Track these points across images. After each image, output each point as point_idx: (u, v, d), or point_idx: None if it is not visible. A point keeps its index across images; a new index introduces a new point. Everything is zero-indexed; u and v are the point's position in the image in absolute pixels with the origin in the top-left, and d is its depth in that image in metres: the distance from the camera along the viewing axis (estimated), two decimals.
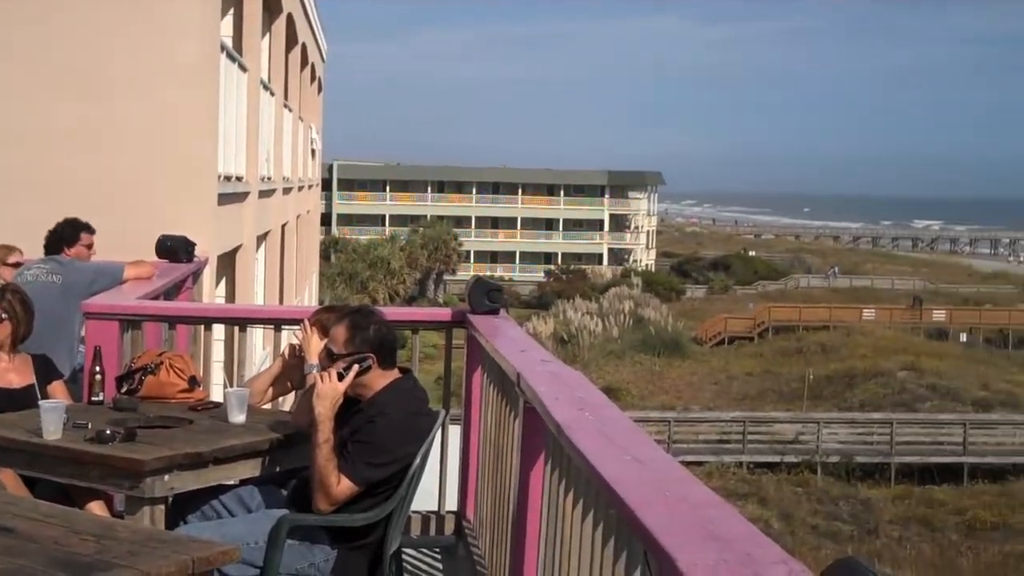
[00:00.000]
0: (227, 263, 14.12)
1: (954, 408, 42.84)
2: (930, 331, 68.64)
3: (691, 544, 2.38)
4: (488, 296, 6.13)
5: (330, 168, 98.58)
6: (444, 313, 6.75)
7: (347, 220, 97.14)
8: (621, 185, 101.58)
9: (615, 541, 2.94)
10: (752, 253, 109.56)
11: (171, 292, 7.82)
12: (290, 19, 19.53)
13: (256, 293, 16.55)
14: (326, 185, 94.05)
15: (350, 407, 4.56)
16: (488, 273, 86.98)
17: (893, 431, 37.68)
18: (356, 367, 4.50)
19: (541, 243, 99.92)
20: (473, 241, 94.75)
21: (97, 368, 5.31)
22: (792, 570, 2.24)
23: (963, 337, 68.10)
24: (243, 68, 13.79)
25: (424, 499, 6.19)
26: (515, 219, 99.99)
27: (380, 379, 4.58)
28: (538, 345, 5.44)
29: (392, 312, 5.94)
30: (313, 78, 27.26)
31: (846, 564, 1.71)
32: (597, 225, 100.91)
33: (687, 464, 28.39)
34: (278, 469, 4.83)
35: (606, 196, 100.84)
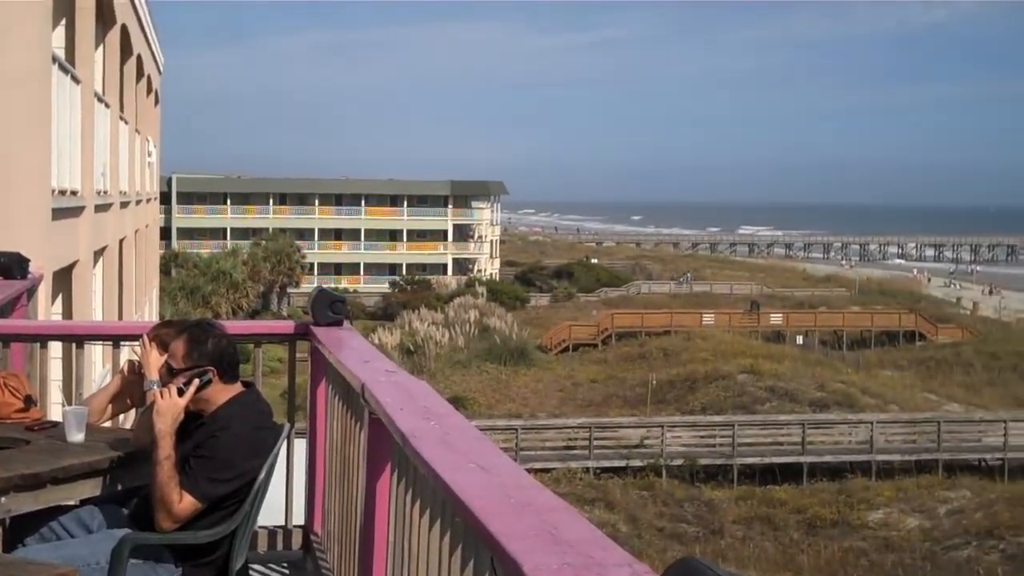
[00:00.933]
0: (63, 279, 13.78)
1: (792, 409, 43.89)
2: (768, 334, 70.29)
3: (536, 549, 2.40)
4: (331, 307, 6.10)
5: (169, 181, 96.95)
6: (287, 326, 6.67)
7: (188, 234, 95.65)
8: (464, 195, 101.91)
9: (462, 549, 2.94)
10: (594, 261, 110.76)
11: (5, 310, 7.60)
12: (124, 30, 19.15)
13: (94, 309, 16.18)
14: (165, 199, 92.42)
15: (192, 422, 4.49)
16: (333, 285, 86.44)
17: (735, 433, 38.43)
18: (196, 382, 4.44)
19: (385, 254, 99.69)
20: (317, 253, 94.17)
21: None
22: (635, 572, 2.27)
23: (799, 339, 69.95)
24: (76, 80, 13.48)
25: (271, 514, 6.13)
26: (359, 230, 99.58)
27: (222, 393, 4.53)
28: (382, 356, 5.43)
29: (233, 326, 5.86)
30: (149, 90, 26.79)
31: (685, 563, 1.74)
32: (441, 235, 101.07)
33: (535, 471, 28.78)
34: (119, 488, 4.73)
35: (449, 206, 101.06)
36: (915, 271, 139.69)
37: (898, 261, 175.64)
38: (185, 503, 4.32)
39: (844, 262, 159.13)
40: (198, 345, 4.51)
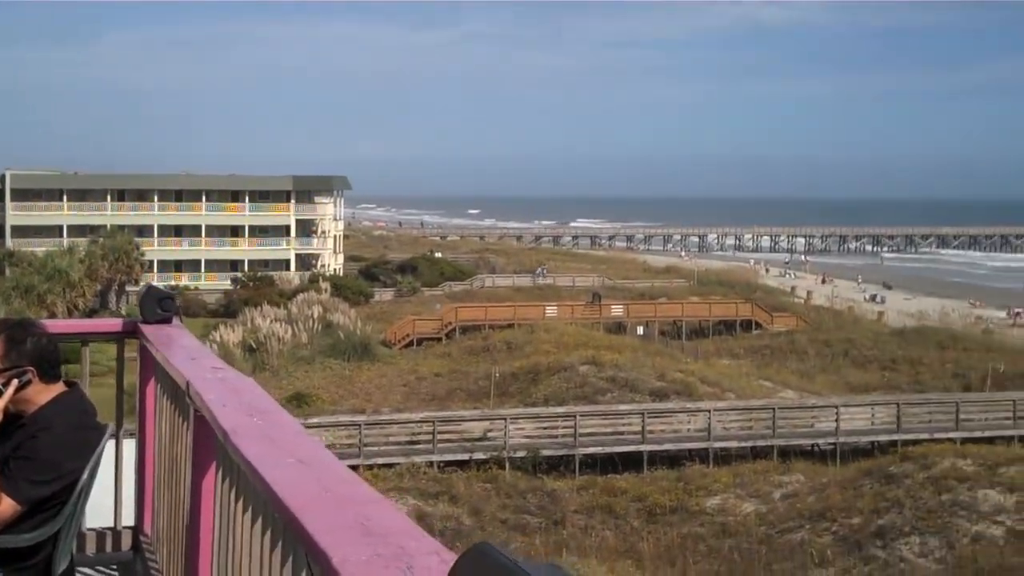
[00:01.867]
0: None
1: (632, 399, 44.55)
2: (609, 325, 71.28)
3: (346, 542, 2.45)
4: (160, 305, 6.04)
5: (2, 178, 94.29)
6: (114, 324, 6.58)
7: (22, 232, 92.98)
8: (307, 190, 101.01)
9: (282, 546, 2.97)
10: (438, 255, 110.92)
11: None
12: None
13: None
14: None
15: (13, 424, 4.43)
16: (173, 282, 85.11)
17: (576, 424, 38.87)
18: (15, 382, 4.38)
19: (227, 250, 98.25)
20: (157, 250, 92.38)
21: None
22: (443, 560, 2.34)
23: (640, 330, 71.04)
24: None
25: (101, 516, 6.06)
26: (199, 227, 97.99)
27: (43, 393, 4.47)
28: (210, 353, 5.41)
29: (58, 325, 5.78)
30: None
31: (478, 548, 1.81)
32: (284, 231, 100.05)
33: (378, 466, 28.66)
34: None
35: (292, 201, 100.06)
36: (751, 261, 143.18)
37: (735, 252, 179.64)
38: (5, 506, 4.26)
39: (683, 253, 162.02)
40: (17, 345, 4.45)
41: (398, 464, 35.69)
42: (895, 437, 40.65)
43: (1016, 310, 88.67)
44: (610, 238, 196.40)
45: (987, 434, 41.11)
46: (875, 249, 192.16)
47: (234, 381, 4.49)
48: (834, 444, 40.52)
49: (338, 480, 2.99)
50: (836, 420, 40.92)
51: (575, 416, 39.36)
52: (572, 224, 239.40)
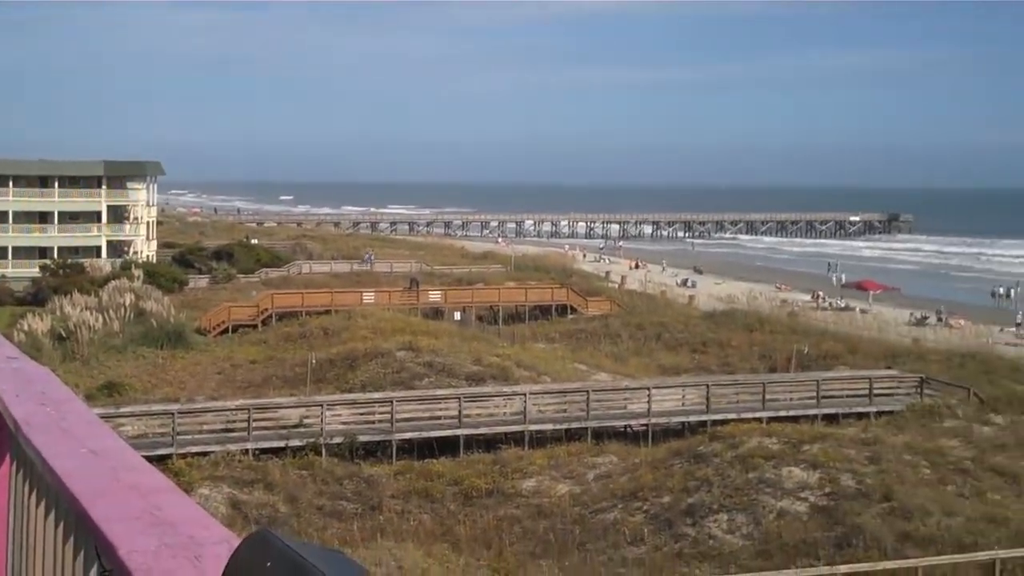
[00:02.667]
0: None
1: (449, 383, 44.77)
2: (427, 311, 71.39)
3: (135, 533, 2.44)
4: None
5: None
6: None
7: None
8: (119, 176, 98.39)
9: (74, 539, 2.94)
10: (255, 241, 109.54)
11: None
12: None
13: None
14: None
15: None
16: None
17: (393, 409, 38.87)
18: None
19: (35, 237, 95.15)
20: None
21: None
22: (232, 547, 2.36)
23: (457, 315, 71.36)
24: None
25: None
26: (6, 212, 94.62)
27: None
28: (5, 341, 5.29)
29: None
30: None
31: (259, 535, 1.85)
32: (95, 217, 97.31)
33: (192, 455, 28.21)
34: None
35: (103, 187, 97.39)
36: (566, 247, 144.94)
37: (552, 238, 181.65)
38: None
39: (500, 239, 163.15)
40: None
41: (213, 452, 35.16)
42: (705, 417, 41.72)
43: (819, 293, 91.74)
44: (428, 224, 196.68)
45: (792, 413, 42.50)
46: (686, 235, 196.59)
47: (28, 370, 4.41)
48: (646, 425, 41.38)
49: (130, 470, 2.97)
50: (648, 402, 41.80)
51: (392, 401, 39.38)
52: (384, 210, 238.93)
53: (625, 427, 42.13)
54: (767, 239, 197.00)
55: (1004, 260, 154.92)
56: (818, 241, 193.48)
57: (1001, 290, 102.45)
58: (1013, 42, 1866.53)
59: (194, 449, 35.46)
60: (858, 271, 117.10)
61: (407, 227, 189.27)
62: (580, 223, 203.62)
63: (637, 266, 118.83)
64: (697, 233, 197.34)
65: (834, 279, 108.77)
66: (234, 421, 38.01)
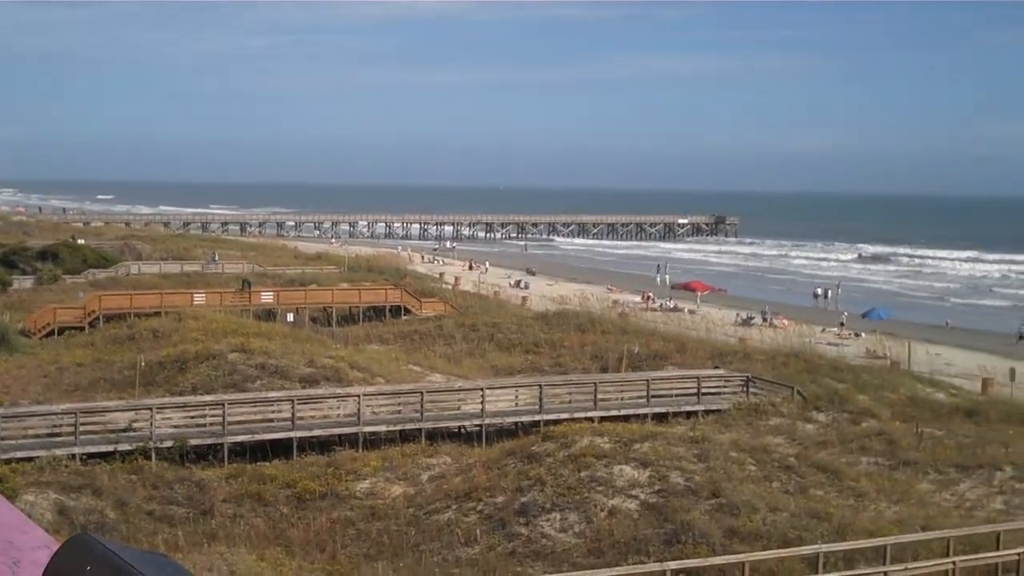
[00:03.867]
0: None
1: (282, 386, 44.37)
2: (259, 312, 70.64)
3: None
4: None
5: None
6: None
7: None
8: None
9: None
10: (81, 241, 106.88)
11: None
12: None
13: None
14: None
15: None
16: None
17: (225, 412, 38.35)
18: None
19: None
20: None
21: None
22: (54, 551, 2.37)
23: (290, 317, 70.76)
24: None
25: None
26: None
27: None
28: None
29: None
30: None
31: (78, 539, 1.88)
32: None
33: (17, 461, 27.50)
34: None
35: None
36: (399, 248, 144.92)
37: (386, 239, 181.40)
38: None
39: (334, 240, 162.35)
40: None
41: (38, 458, 34.26)
42: (538, 417, 42.13)
43: (649, 294, 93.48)
44: (260, 225, 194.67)
45: (623, 412, 43.20)
46: (519, 236, 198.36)
47: None
48: (480, 425, 41.63)
49: None
50: (482, 402, 42.03)
51: (224, 404, 38.86)
52: (208, 210, 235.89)
53: (459, 428, 42.30)
54: (605, 242, 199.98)
55: (807, 262, 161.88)
56: (642, 243, 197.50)
57: (820, 291, 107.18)
58: (834, 49, 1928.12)
59: (19, 455, 34.48)
60: (682, 273, 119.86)
61: (239, 227, 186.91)
62: (414, 224, 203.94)
63: (471, 267, 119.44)
64: (530, 235, 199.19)
65: (658, 280, 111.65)
66: (60, 425, 37.05)
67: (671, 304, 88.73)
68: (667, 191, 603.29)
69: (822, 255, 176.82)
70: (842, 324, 79.12)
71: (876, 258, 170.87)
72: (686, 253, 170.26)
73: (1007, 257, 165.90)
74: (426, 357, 57.69)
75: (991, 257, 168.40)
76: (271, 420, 39.81)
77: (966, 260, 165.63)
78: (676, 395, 45.76)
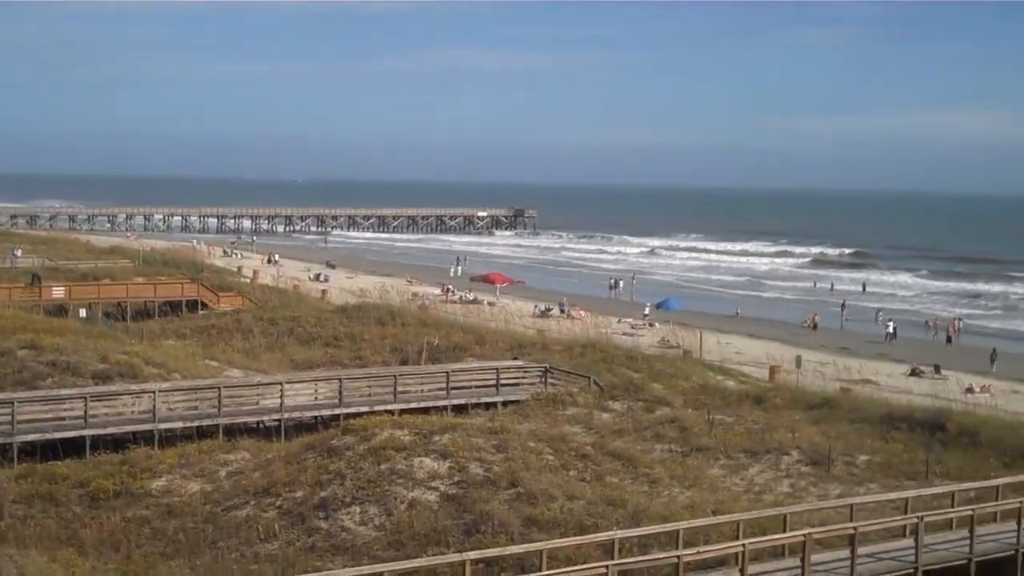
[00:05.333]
0: None
1: (75, 383, 43.23)
2: (50, 308, 68.73)
3: None
4: None
5: None
6: None
7: None
8: None
9: None
10: None
11: None
12: None
13: None
14: None
15: None
16: None
17: (14, 410, 37.27)
18: None
19: None
20: None
21: None
22: None
23: (83, 312, 69.01)
24: None
25: None
26: None
27: None
28: None
29: None
30: None
31: None
32: None
33: None
34: None
35: None
36: (195, 241, 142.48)
37: (183, 232, 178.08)
38: None
39: (129, 233, 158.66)
40: None
41: None
42: (338, 411, 42.08)
43: (448, 287, 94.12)
44: (51, 218, 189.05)
45: (423, 404, 43.49)
46: (320, 228, 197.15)
47: None
48: (279, 420, 41.37)
49: None
50: (281, 397, 41.77)
51: (12, 403, 37.75)
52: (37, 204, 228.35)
53: (258, 423, 41.95)
54: (405, 235, 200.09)
55: (602, 255, 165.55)
56: (440, 236, 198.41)
57: (613, 281, 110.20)
58: (635, 46, 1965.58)
59: None
60: (482, 265, 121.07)
61: (26, 220, 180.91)
62: (211, 218, 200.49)
63: (270, 260, 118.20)
64: (330, 228, 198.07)
65: (451, 271, 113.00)
66: None
67: (470, 296, 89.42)
68: (468, 184, 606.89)
69: (617, 248, 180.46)
70: (646, 315, 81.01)
71: (662, 250, 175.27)
72: (484, 248, 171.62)
73: (772, 249, 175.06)
74: (224, 352, 56.95)
75: (770, 250, 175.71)
76: (63, 418, 38.81)
77: (740, 253, 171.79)
78: (475, 386, 46.24)
